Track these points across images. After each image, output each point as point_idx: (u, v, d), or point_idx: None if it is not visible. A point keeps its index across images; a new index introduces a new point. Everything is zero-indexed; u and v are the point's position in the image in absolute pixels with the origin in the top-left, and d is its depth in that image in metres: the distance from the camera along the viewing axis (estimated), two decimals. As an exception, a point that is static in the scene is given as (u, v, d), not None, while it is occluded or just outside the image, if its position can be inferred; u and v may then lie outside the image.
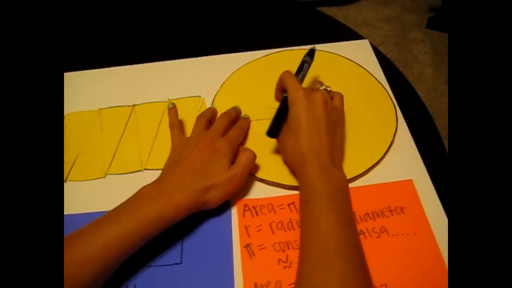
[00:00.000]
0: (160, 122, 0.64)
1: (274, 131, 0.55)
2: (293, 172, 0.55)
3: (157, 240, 0.51)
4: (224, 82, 0.68)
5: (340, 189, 0.51)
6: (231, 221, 0.53)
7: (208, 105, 0.66)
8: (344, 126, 0.58)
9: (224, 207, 0.54)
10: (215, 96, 0.66)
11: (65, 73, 0.73)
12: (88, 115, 0.67)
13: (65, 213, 0.56)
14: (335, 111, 0.56)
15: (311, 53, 0.62)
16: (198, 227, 0.53)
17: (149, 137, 0.63)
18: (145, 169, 0.60)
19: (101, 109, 0.67)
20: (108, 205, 0.54)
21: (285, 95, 0.56)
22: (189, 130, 0.62)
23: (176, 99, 0.67)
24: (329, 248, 0.45)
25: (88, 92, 0.70)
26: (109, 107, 0.67)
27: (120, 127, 0.64)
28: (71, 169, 0.60)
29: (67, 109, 0.68)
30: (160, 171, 0.55)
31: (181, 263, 0.51)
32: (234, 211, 0.54)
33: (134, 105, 0.67)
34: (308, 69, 0.61)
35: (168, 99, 0.67)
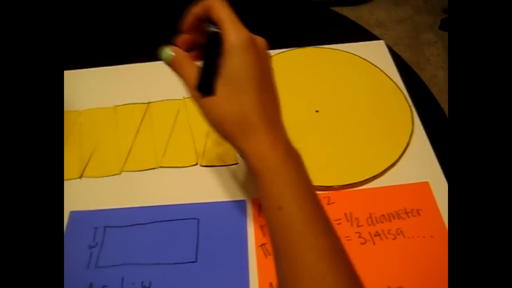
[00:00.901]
0: (175, 119, 0.64)
1: (207, 84, 0.41)
2: (232, 145, 0.42)
3: (172, 239, 0.52)
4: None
5: (302, 168, 0.42)
6: (247, 220, 0.53)
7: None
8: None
9: (239, 206, 0.54)
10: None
11: (79, 70, 0.74)
12: (103, 112, 0.67)
13: (80, 209, 0.56)
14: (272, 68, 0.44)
15: None
16: (213, 225, 0.53)
17: (164, 135, 0.63)
18: (160, 167, 0.59)
19: (116, 106, 0.68)
20: (122, 202, 0.55)
21: (214, 30, 0.40)
22: (202, 129, 0.62)
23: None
24: (323, 269, 0.36)
25: (104, 89, 0.70)
26: (124, 104, 0.67)
27: (135, 124, 0.64)
28: (86, 165, 0.60)
29: (83, 105, 0.68)
30: (175, 168, 0.55)
31: (196, 261, 0.51)
32: (250, 211, 0.54)
33: (149, 102, 0.67)
34: None
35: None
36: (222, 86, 0.40)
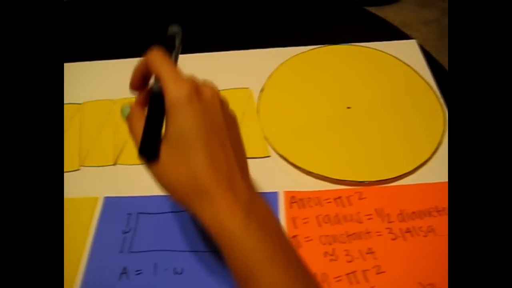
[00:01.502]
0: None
1: (149, 148, 0.37)
2: (190, 212, 0.38)
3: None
4: (271, 74, 0.69)
5: (267, 224, 0.38)
6: (279, 212, 0.54)
7: (256, 96, 0.66)
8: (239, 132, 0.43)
9: (271, 197, 0.55)
10: (262, 88, 0.67)
11: (98, 61, 0.75)
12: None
13: (114, 195, 0.57)
14: (232, 113, 0.42)
15: (176, 25, 0.45)
16: (245, 216, 0.53)
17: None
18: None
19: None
20: (155, 190, 0.56)
21: (154, 89, 0.38)
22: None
23: (224, 90, 0.68)
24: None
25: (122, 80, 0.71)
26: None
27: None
28: (120, 152, 0.62)
29: (115, 95, 0.69)
30: None
31: (228, 249, 0.51)
32: (281, 203, 0.54)
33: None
34: (180, 45, 0.44)
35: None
36: (167, 149, 0.37)
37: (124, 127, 0.62)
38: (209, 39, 0.80)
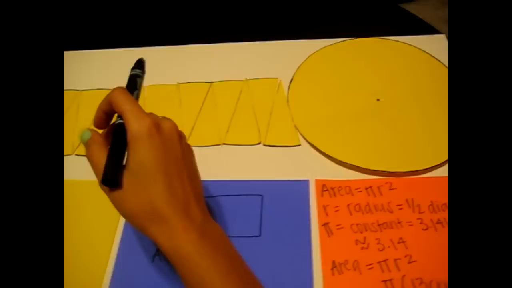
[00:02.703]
0: (238, 99, 0.66)
1: (113, 177, 0.39)
2: (148, 236, 0.40)
3: (237, 213, 0.53)
4: (300, 65, 0.69)
5: (226, 246, 0.41)
6: (310, 199, 0.54)
7: (285, 87, 0.66)
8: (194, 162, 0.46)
9: (302, 186, 0.55)
10: (292, 78, 0.67)
11: (146, 48, 0.75)
12: (167, 88, 0.69)
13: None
14: (189, 146, 0.45)
15: (140, 64, 0.48)
16: (276, 202, 0.54)
17: (227, 113, 0.64)
18: (224, 144, 0.61)
19: (179, 83, 0.69)
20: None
21: (118, 121, 0.41)
22: (265, 110, 0.63)
23: (253, 79, 0.68)
24: None
25: (168, 67, 0.72)
26: (187, 82, 0.69)
27: (198, 102, 0.66)
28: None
29: (147, 82, 0.70)
30: (238, 146, 0.59)
31: (260, 236, 0.52)
32: (313, 190, 0.55)
33: (212, 82, 0.69)
34: (141, 85, 0.47)
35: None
36: (128, 179, 0.39)
37: (155, 113, 0.63)
38: (239, 29, 0.80)
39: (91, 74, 0.74)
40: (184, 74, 0.70)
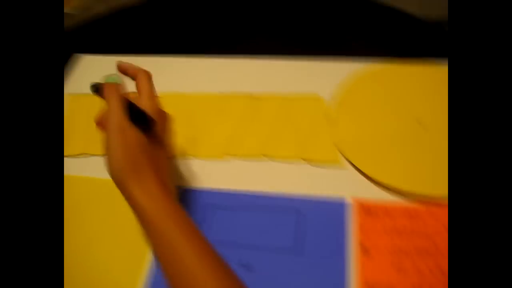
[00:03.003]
0: (278, 114, 0.66)
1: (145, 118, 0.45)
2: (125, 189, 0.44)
3: (273, 226, 0.53)
4: (342, 83, 0.69)
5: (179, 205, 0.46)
6: (346, 218, 0.54)
7: (326, 104, 0.67)
8: None
9: (340, 204, 0.55)
10: (333, 96, 0.67)
11: (194, 57, 0.78)
12: (209, 97, 0.70)
13: (189, 186, 0.58)
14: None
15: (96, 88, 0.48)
16: (313, 219, 0.54)
17: (269, 127, 0.64)
18: (264, 156, 0.61)
19: (221, 93, 0.70)
20: (228, 185, 0.57)
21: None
22: (305, 127, 0.64)
23: (294, 94, 0.69)
24: (189, 264, 0.41)
25: (211, 77, 0.73)
26: (230, 92, 0.70)
27: (240, 113, 0.67)
28: (194, 146, 0.63)
29: (189, 89, 0.71)
30: (277, 161, 0.59)
31: (295, 251, 0.52)
32: (351, 210, 0.55)
33: (254, 95, 0.69)
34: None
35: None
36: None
37: (196, 121, 0.64)
38: (283, 44, 0.81)
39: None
40: (226, 85, 0.71)
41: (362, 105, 0.66)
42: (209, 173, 0.60)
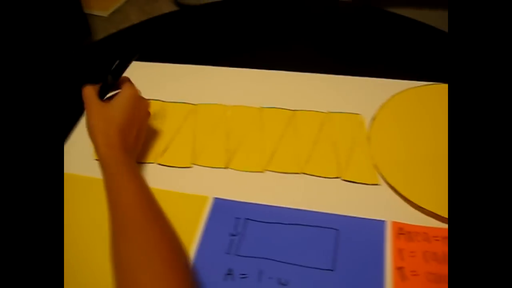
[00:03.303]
0: (319, 131, 0.66)
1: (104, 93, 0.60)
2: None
3: (311, 243, 0.53)
4: (384, 104, 0.69)
5: (137, 166, 0.59)
6: (385, 241, 0.54)
7: (367, 124, 0.67)
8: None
9: (378, 226, 0.55)
10: (374, 116, 0.67)
11: (236, 69, 0.80)
12: (250, 111, 0.70)
13: (223, 197, 0.60)
14: (148, 116, 0.65)
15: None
16: (352, 239, 0.54)
17: (308, 143, 0.65)
18: (303, 173, 0.62)
19: (262, 107, 0.71)
20: (264, 199, 0.58)
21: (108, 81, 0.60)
22: (345, 145, 0.64)
23: (335, 113, 0.69)
24: (133, 203, 0.51)
25: (252, 90, 0.74)
26: (270, 107, 0.70)
27: (280, 128, 0.67)
28: (232, 157, 0.64)
29: (230, 101, 0.72)
30: (317, 178, 0.60)
31: (333, 270, 0.52)
32: (389, 232, 0.55)
33: (295, 110, 0.70)
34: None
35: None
36: (105, 107, 0.59)
37: (236, 134, 0.65)
38: (324, 61, 0.81)
39: (176, 87, 0.77)
40: (267, 99, 0.72)
41: (402, 127, 0.66)
42: (247, 186, 0.61)
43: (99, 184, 0.55)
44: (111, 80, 0.60)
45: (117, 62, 0.60)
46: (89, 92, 0.60)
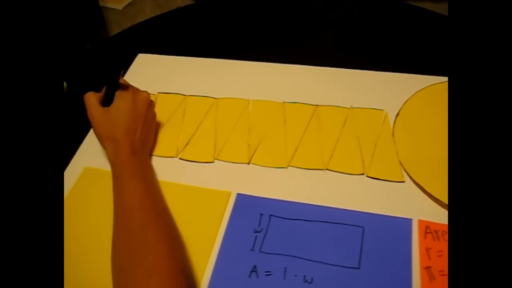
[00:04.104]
0: (342, 126, 0.65)
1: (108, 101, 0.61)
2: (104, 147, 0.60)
3: (336, 241, 0.53)
4: (408, 100, 0.68)
5: (145, 165, 0.60)
6: (412, 240, 0.53)
7: (391, 120, 0.66)
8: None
9: (405, 224, 0.54)
10: (398, 112, 0.66)
11: (247, 62, 0.79)
12: (271, 105, 0.70)
13: (247, 193, 0.59)
14: (154, 112, 0.66)
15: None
16: (378, 237, 0.53)
17: (331, 139, 0.64)
18: (327, 169, 0.61)
19: (284, 102, 0.70)
20: (288, 195, 0.58)
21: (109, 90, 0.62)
22: (370, 141, 0.63)
23: (359, 108, 0.68)
24: (132, 203, 0.52)
25: (273, 84, 0.73)
26: (293, 102, 0.70)
27: (303, 123, 0.66)
28: (254, 152, 0.63)
29: (251, 96, 0.71)
30: (341, 174, 0.59)
31: (359, 268, 0.51)
32: (415, 230, 0.54)
33: (317, 105, 0.69)
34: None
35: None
36: (107, 114, 0.60)
37: (258, 128, 0.64)
38: (348, 55, 0.80)
39: (196, 80, 0.76)
40: (289, 93, 0.71)
41: (428, 123, 0.65)
42: (270, 181, 0.60)
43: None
44: (110, 92, 0.61)
45: (111, 75, 0.61)
46: (90, 100, 0.61)
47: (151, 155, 0.65)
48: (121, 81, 0.62)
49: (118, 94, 0.61)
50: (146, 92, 0.63)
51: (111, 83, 0.62)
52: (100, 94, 0.62)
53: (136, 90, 0.62)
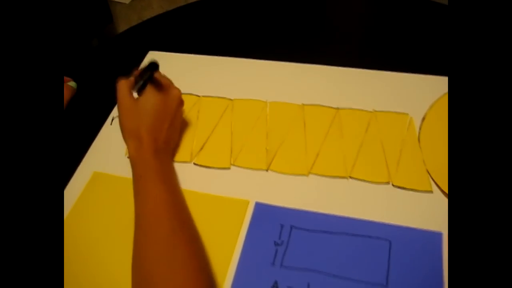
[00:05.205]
0: (365, 131, 0.62)
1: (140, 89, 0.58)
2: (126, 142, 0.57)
3: (362, 255, 0.50)
4: (434, 103, 0.65)
5: (168, 167, 0.57)
6: (443, 254, 0.50)
7: (416, 124, 0.62)
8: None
9: (435, 238, 0.51)
10: (424, 116, 0.63)
11: (263, 61, 0.75)
12: (291, 107, 0.66)
13: (265, 201, 0.56)
14: (181, 112, 0.63)
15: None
16: (406, 252, 0.50)
17: (354, 145, 0.61)
18: (350, 177, 0.58)
19: (304, 104, 0.67)
20: (309, 205, 0.55)
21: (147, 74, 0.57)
22: (394, 147, 0.60)
23: (382, 112, 0.65)
24: (159, 210, 0.49)
25: (293, 86, 0.70)
26: (313, 104, 0.66)
27: (324, 127, 0.63)
28: (273, 158, 0.60)
29: (270, 97, 0.68)
30: (366, 183, 0.56)
31: (386, 285, 0.48)
32: (446, 245, 0.50)
33: (338, 108, 0.66)
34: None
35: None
36: (135, 107, 0.57)
37: (276, 132, 0.61)
38: (370, 55, 0.77)
39: (210, 80, 0.73)
40: (308, 95, 0.68)
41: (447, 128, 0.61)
42: (290, 190, 0.57)
43: (126, 183, 0.55)
44: (142, 81, 0.58)
45: (139, 79, 0.57)
46: (122, 87, 0.58)
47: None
48: (156, 74, 0.59)
49: (151, 86, 0.57)
50: (178, 89, 0.60)
51: (144, 72, 0.58)
52: (132, 80, 0.59)
53: (169, 85, 0.59)
